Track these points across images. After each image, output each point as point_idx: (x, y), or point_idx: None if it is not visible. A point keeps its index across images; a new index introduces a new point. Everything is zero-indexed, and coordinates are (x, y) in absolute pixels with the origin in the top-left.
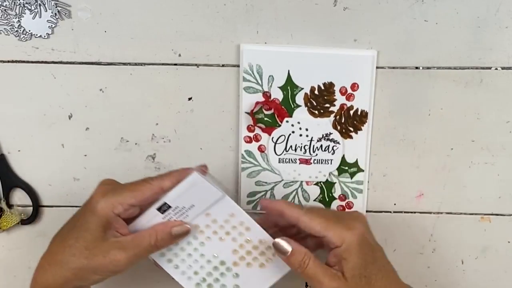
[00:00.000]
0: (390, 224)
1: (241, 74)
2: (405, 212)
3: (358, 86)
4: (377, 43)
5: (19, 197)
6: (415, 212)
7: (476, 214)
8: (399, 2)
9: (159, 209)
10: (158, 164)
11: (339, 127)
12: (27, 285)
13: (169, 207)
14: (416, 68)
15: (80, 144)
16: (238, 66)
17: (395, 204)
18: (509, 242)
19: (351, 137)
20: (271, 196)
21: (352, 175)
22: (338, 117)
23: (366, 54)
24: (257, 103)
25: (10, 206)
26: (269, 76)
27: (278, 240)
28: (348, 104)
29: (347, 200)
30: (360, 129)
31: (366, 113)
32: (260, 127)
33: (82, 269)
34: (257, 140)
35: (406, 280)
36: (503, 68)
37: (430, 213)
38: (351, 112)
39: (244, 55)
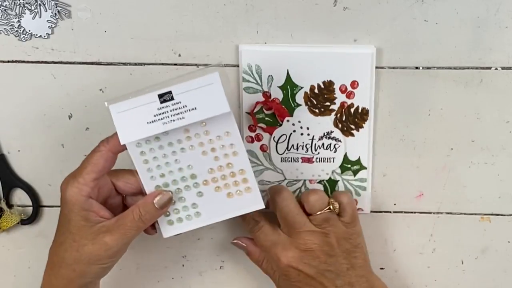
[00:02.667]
0: (390, 224)
1: (240, 75)
2: (405, 212)
3: (358, 83)
4: (377, 43)
5: (19, 197)
6: (415, 212)
7: (476, 214)
8: (399, 2)
9: (160, 96)
10: None
11: (340, 125)
12: (27, 285)
13: (172, 99)
14: (416, 68)
15: (80, 144)
16: (238, 66)
17: (395, 204)
18: (509, 242)
19: (352, 134)
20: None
21: (355, 172)
22: (339, 115)
23: (365, 51)
24: (257, 103)
25: (10, 206)
26: (269, 76)
27: (235, 241)
28: (349, 102)
29: None
30: (362, 127)
31: (367, 111)
32: (261, 127)
33: (78, 263)
34: (258, 140)
35: (406, 280)
36: (503, 68)
37: (430, 213)
38: (352, 110)
39: (242, 56)
